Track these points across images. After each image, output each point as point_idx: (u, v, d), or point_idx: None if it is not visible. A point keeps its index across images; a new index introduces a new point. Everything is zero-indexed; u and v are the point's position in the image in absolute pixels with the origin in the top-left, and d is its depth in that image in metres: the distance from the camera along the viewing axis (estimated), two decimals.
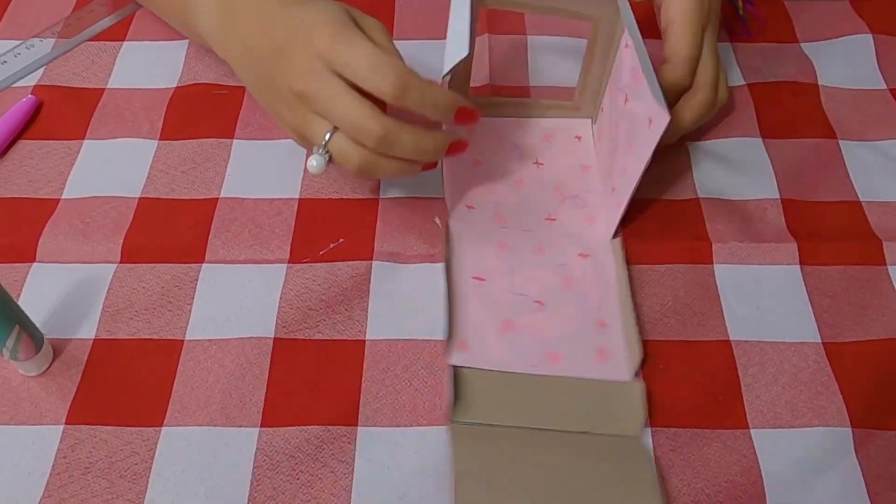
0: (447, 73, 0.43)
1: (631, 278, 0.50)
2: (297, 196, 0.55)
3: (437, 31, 0.63)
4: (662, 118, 0.44)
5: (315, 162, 0.46)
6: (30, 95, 0.60)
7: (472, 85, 0.53)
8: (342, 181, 0.56)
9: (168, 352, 0.48)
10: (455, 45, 0.44)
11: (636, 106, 0.47)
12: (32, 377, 0.47)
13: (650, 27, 0.55)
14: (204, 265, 0.51)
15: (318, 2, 0.46)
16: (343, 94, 0.44)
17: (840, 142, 0.58)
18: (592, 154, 0.56)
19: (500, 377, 0.46)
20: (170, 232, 0.53)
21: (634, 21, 0.49)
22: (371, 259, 0.51)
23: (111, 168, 0.57)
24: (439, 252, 0.51)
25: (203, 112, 0.60)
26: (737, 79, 0.62)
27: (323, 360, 0.47)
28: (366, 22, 0.47)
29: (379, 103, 0.44)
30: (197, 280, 0.51)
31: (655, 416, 0.45)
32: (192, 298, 0.50)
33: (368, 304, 0.50)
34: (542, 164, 0.56)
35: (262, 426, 0.45)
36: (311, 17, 0.45)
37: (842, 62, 0.63)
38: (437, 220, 0.51)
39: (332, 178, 0.56)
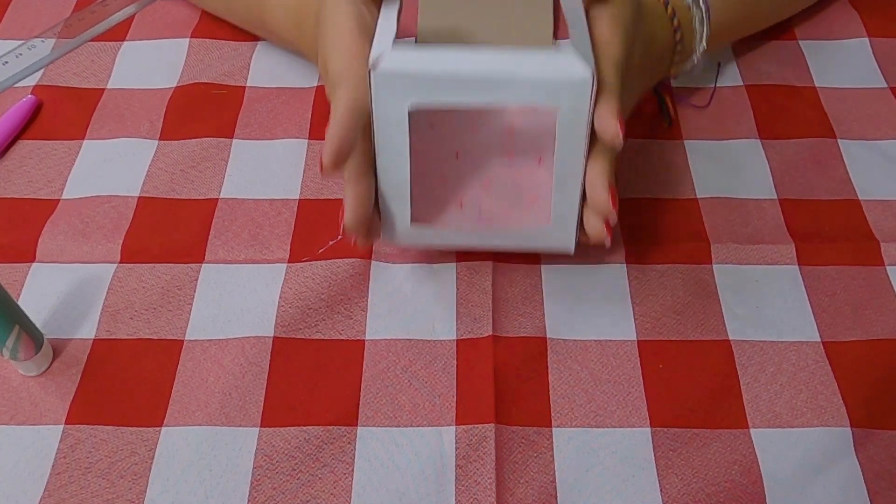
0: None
1: (630, 278, 0.50)
2: (296, 196, 0.55)
3: None
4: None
5: None
6: (30, 95, 0.60)
7: None
8: (342, 182, 0.55)
9: (168, 352, 0.48)
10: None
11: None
12: (32, 377, 0.47)
13: None
14: (204, 265, 0.51)
15: (341, 83, 0.44)
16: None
17: (839, 141, 0.58)
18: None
19: None
20: (170, 232, 0.53)
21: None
22: (370, 258, 0.51)
23: (111, 168, 0.57)
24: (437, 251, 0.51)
25: (203, 112, 0.60)
26: (735, 79, 0.62)
27: (323, 359, 0.47)
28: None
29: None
30: (197, 280, 0.51)
31: (654, 415, 0.45)
32: (192, 298, 0.50)
33: (368, 303, 0.50)
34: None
35: (261, 426, 0.45)
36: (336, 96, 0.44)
37: (841, 61, 0.63)
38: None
39: (332, 178, 0.56)
